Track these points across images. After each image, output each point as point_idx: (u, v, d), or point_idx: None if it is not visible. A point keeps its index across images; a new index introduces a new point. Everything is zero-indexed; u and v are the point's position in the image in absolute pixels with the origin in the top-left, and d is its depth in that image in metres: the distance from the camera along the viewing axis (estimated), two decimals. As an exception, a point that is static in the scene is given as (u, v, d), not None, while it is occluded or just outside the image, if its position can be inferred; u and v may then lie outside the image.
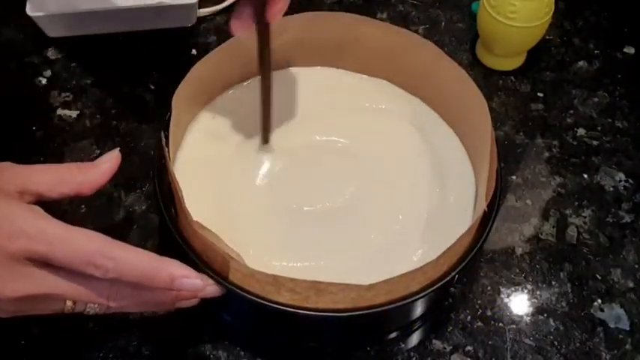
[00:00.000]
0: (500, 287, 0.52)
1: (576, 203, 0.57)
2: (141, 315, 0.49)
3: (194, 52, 0.65)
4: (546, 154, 0.59)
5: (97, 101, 0.61)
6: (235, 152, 0.52)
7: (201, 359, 0.47)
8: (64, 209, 0.54)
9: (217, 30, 0.66)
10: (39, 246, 0.36)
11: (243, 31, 0.44)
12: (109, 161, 0.42)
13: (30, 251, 0.36)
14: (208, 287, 0.41)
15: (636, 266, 0.53)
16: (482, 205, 0.44)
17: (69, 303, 0.39)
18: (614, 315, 0.51)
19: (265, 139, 0.51)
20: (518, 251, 0.54)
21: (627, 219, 0.56)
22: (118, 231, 0.53)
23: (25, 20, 0.61)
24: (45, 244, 0.37)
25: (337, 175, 0.51)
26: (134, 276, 0.38)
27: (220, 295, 0.42)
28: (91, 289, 0.38)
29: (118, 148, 0.43)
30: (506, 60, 0.64)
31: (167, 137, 0.46)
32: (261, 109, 0.49)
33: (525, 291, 0.52)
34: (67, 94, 0.61)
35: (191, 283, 0.39)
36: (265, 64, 0.48)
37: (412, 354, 0.48)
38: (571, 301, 0.51)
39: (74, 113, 0.60)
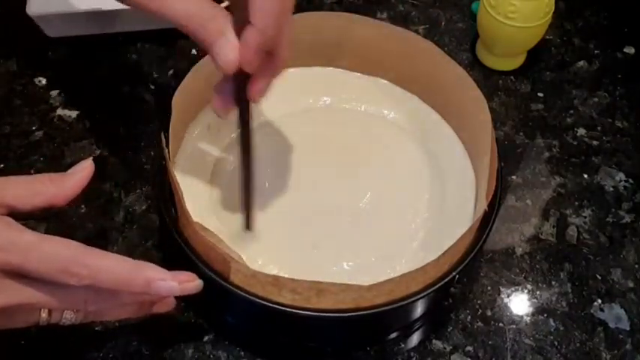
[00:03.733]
0: (501, 287, 0.52)
1: (576, 203, 0.57)
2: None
3: (194, 52, 0.65)
4: (546, 154, 0.59)
5: (97, 101, 0.61)
6: (236, 153, 0.52)
7: (202, 359, 0.47)
8: (64, 209, 0.54)
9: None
10: (12, 257, 0.36)
11: (225, 111, 0.43)
12: (82, 171, 0.42)
13: (3, 263, 0.36)
14: (187, 284, 0.41)
15: (636, 266, 0.53)
16: (483, 205, 0.44)
17: (44, 314, 0.39)
18: (614, 315, 0.51)
19: (248, 225, 0.47)
20: (519, 251, 0.54)
21: (627, 219, 0.56)
22: (118, 231, 0.53)
23: (25, 20, 0.61)
24: (18, 255, 0.36)
25: (337, 177, 0.51)
26: (110, 281, 0.38)
27: (200, 290, 0.41)
28: (66, 297, 0.38)
29: (91, 158, 0.43)
30: (506, 60, 0.64)
31: (167, 137, 0.46)
32: (242, 195, 0.46)
33: (525, 291, 0.52)
34: (67, 94, 0.61)
35: (168, 286, 0.39)
36: (246, 146, 0.44)
37: (412, 354, 0.48)
38: (571, 301, 0.51)
39: (74, 113, 0.60)
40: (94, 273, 0.37)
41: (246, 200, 0.47)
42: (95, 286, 0.38)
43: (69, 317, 0.40)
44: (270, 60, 0.41)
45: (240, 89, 0.41)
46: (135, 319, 0.47)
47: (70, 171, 0.42)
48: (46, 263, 0.37)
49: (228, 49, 0.38)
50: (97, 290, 0.38)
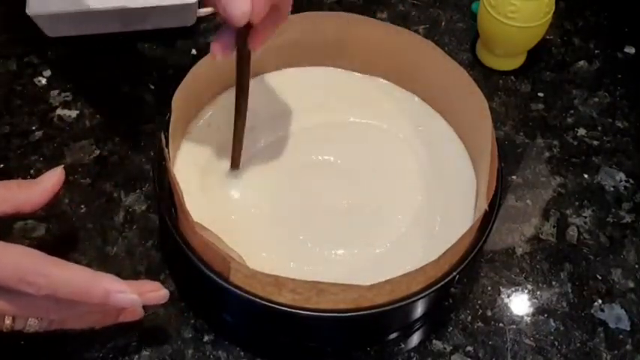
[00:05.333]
0: (501, 287, 0.52)
1: (577, 203, 0.57)
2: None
3: (194, 52, 0.65)
4: (546, 154, 0.59)
5: (97, 101, 0.61)
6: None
7: (201, 359, 0.47)
8: (64, 209, 0.54)
9: (217, 30, 0.66)
10: None
11: (223, 54, 0.43)
12: (51, 179, 0.42)
13: None
14: (150, 295, 0.41)
15: (637, 266, 0.53)
16: (483, 205, 0.44)
17: (7, 321, 0.39)
18: (614, 315, 0.51)
19: (235, 164, 0.50)
20: (519, 251, 0.54)
21: (628, 219, 0.56)
22: (118, 231, 0.53)
23: (25, 20, 0.61)
24: None
25: (338, 176, 0.51)
26: (68, 292, 0.38)
27: (165, 300, 0.41)
28: (27, 305, 0.38)
29: (62, 166, 0.43)
30: (507, 60, 0.64)
31: (167, 138, 0.46)
32: (233, 136, 0.48)
33: (526, 291, 0.52)
34: (67, 94, 0.61)
35: (127, 299, 0.39)
36: (243, 91, 0.47)
37: (412, 354, 0.48)
38: (571, 301, 0.51)
39: (74, 113, 0.60)
40: (53, 283, 0.37)
41: (236, 140, 0.48)
42: (55, 296, 0.38)
43: (33, 324, 0.40)
44: (273, 12, 0.42)
45: (241, 38, 0.43)
46: (135, 321, 0.47)
47: (39, 178, 0.42)
48: (5, 272, 0.37)
49: (240, 1, 0.38)
50: (58, 300, 0.38)
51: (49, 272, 0.37)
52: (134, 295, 0.39)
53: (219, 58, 0.43)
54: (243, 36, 0.43)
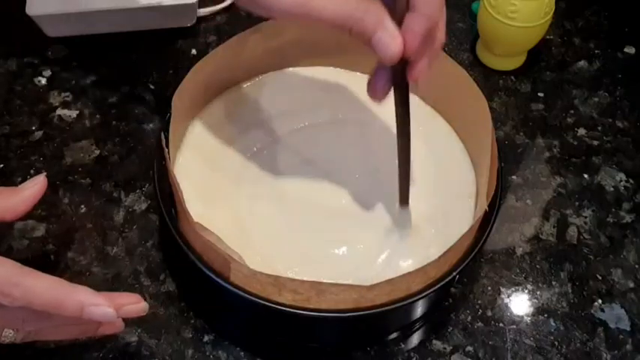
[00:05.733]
0: (501, 287, 0.52)
1: (577, 203, 0.57)
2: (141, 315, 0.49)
3: (194, 52, 0.65)
4: (547, 154, 0.59)
5: (97, 101, 0.61)
6: (236, 153, 0.52)
7: (201, 359, 0.47)
8: (64, 209, 0.54)
9: (217, 30, 0.66)
10: None
11: (382, 95, 0.42)
12: (33, 187, 0.42)
13: None
14: (128, 308, 0.40)
15: (637, 266, 0.53)
16: (483, 205, 0.44)
17: None
18: (614, 315, 0.51)
19: (405, 200, 0.48)
20: (519, 251, 0.54)
21: (628, 219, 0.56)
22: (118, 231, 0.53)
23: (25, 20, 0.61)
24: None
25: (338, 176, 0.51)
26: (42, 304, 0.38)
27: (145, 312, 0.41)
28: (3, 316, 0.38)
29: (44, 173, 0.42)
30: (507, 60, 0.64)
31: (167, 137, 0.46)
32: (399, 171, 0.46)
33: (526, 291, 0.52)
34: (67, 94, 0.61)
35: (101, 312, 0.38)
36: (404, 126, 0.44)
37: (412, 354, 0.48)
38: (571, 301, 0.51)
39: (74, 113, 0.60)
40: (27, 294, 0.37)
41: (402, 174, 0.47)
42: (30, 307, 0.38)
43: (9, 335, 0.40)
44: (427, 40, 0.40)
45: (397, 73, 0.41)
46: (134, 320, 0.47)
47: (21, 186, 0.42)
48: None
49: (390, 39, 0.37)
50: (34, 311, 0.38)
51: (24, 283, 0.37)
52: (109, 309, 0.39)
53: (379, 101, 0.42)
54: (399, 71, 0.41)
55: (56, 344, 0.47)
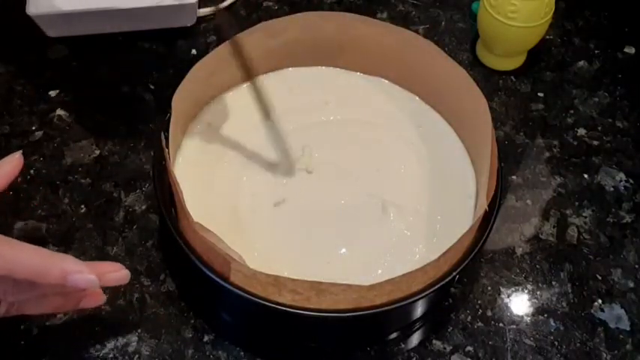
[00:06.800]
0: (501, 287, 0.52)
1: (577, 203, 0.57)
2: (141, 314, 0.49)
3: (194, 52, 0.65)
4: (546, 154, 0.59)
5: (97, 101, 0.61)
6: (236, 153, 0.52)
7: (201, 359, 0.47)
8: (64, 209, 0.54)
9: (217, 30, 0.66)
10: None
11: None
12: (9, 164, 0.42)
13: None
14: (110, 275, 0.40)
15: (636, 266, 0.53)
16: (483, 205, 0.44)
17: None
18: (614, 315, 0.51)
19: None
20: (519, 251, 0.54)
21: (628, 219, 0.56)
22: (118, 231, 0.53)
23: (25, 20, 0.61)
24: None
25: (337, 176, 0.51)
26: (25, 273, 0.38)
27: (127, 281, 0.41)
28: None
29: (20, 151, 0.42)
30: (507, 60, 0.64)
31: (167, 138, 0.46)
32: None
33: (526, 291, 0.52)
34: (67, 94, 0.61)
35: (84, 279, 0.39)
36: None
37: (412, 354, 0.48)
38: (571, 301, 0.51)
39: (74, 113, 0.60)
40: (9, 264, 0.37)
41: None
42: (12, 277, 0.38)
43: None
44: None
45: None
46: (134, 320, 0.47)
47: None
48: None
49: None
50: (16, 281, 0.38)
51: (5, 253, 0.37)
52: (92, 276, 0.39)
53: None
54: None
55: (56, 344, 0.47)
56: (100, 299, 0.45)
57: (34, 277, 0.38)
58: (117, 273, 0.41)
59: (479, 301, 0.51)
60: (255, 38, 0.52)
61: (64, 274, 0.38)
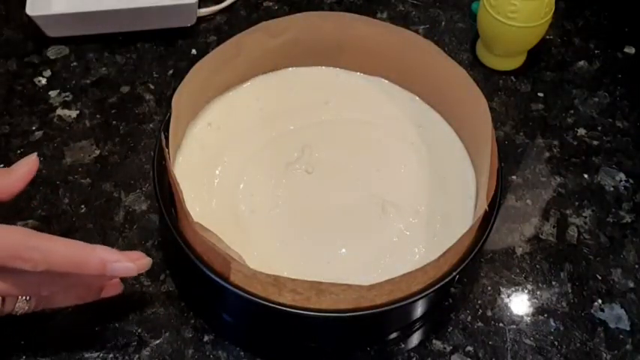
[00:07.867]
0: (501, 287, 0.52)
1: (577, 203, 0.57)
2: (141, 314, 0.49)
3: (194, 52, 0.65)
4: (546, 154, 0.59)
5: (97, 101, 0.61)
6: (236, 153, 0.52)
7: (201, 359, 0.47)
8: (64, 209, 0.54)
9: (217, 30, 0.66)
10: None
11: None
12: (26, 166, 0.42)
13: None
14: (139, 262, 0.41)
15: (637, 266, 0.53)
16: (483, 205, 0.44)
17: None
18: (614, 315, 0.51)
19: None
20: (519, 251, 0.54)
21: (628, 219, 0.56)
22: (118, 231, 0.53)
23: (25, 20, 0.61)
24: None
25: (337, 176, 0.51)
26: (64, 264, 0.38)
27: (149, 267, 0.42)
28: (20, 283, 0.38)
29: (35, 153, 0.43)
30: (507, 60, 0.64)
31: (167, 137, 0.46)
32: None
33: (526, 291, 0.52)
34: (67, 94, 0.61)
35: (123, 267, 0.39)
36: None
37: (412, 354, 0.48)
38: (571, 301, 0.51)
39: (74, 113, 0.60)
40: (48, 257, 0.37)
41: None
42: (49, 270, 0.38)
43: (22, 306, 0.40)
44: None
45: None
46: (134, 319, 0.47)
47: (14, 166, 0.42)
48: None
49: None
50: (50, 273, 0.38)
51: (42, 246, 0.37)
52: (130, 264, 0.39)
53: None
54: None
55: (56, 344, 0.47)
56: (119, 288, 0.45)
57: (74, 268, 0.38)
58: (143, 260, 0.41)
59: (479, 301, 0.51)
60: (255, 38, 0.52)
61: (103, 264, 0.38)
